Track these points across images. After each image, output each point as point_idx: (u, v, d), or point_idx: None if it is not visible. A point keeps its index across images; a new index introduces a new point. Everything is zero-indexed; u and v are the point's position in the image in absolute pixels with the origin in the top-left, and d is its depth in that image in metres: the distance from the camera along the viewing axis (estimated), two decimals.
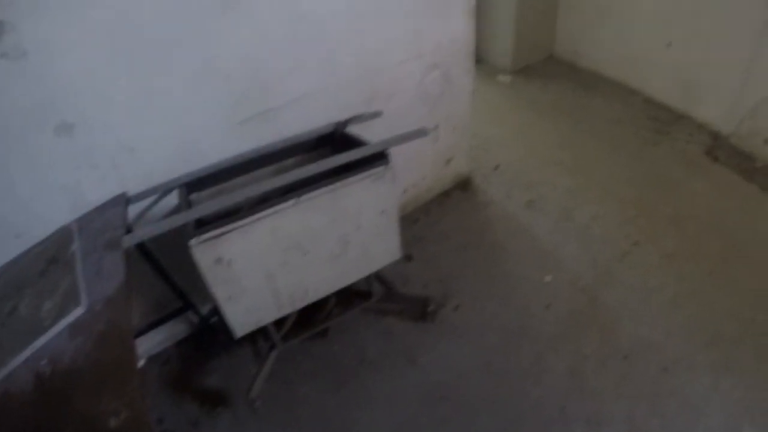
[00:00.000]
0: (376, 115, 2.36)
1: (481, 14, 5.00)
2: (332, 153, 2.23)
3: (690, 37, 4.46)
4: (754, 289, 2.71)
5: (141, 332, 2.29)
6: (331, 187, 1.76)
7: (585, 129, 4.21)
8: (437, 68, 2.65)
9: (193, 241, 1.56)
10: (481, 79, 4.86)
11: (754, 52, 3.94)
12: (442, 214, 3.08)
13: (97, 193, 1.81)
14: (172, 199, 2.00)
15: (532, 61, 5.46)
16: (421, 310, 2.52)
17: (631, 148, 4.03)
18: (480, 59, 5.24)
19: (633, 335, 2.44)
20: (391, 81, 2.48)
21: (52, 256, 1.59)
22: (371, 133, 2.13)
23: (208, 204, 1.62)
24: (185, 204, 1.86)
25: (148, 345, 2.46)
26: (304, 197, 1.72)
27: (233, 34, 1.84)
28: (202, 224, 1.63)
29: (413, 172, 2.93)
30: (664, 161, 3.92)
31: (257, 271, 1.80)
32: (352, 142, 2.06)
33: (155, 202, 2.00)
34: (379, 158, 1.85)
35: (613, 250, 2.92)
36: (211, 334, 2.55)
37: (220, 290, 1.73)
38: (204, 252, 1.60)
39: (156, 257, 2.04)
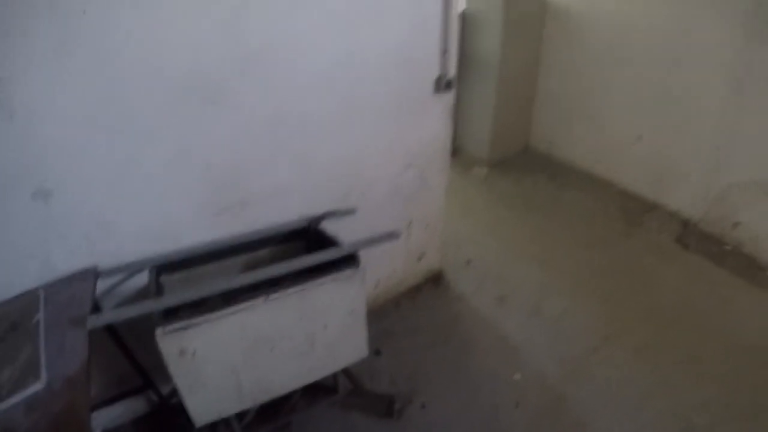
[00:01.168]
0: (349, 212, 2.50)
1: (459, 107, 5.37)
2: (305, 247, 2.36)
3: (659, 129, 4.84)
4: (725, 376, 2.84)
5: (98, 406, 2.27)
6: (300, 287, 1.86)
7: (557, 222, 4.42)
8: (412, 167, 2.83)
9: (159, 331, 1.62)
10: (456, 172, 5.12)
11: (719, 141, 4.29)
12: (412, 309, 3.18)
13: (67, 262, 1.85)
14: (143, 278, 2.06)
15: (508, 153, 5.76)
16: (387, 407, 2.55)
17: (602, 240, 4.24)
18: (457, 151, 5.54)
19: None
20: (366, 179, 2.64)
21: (14, 321, 1.61)
22: (345, 228, 2.27)
23: (177, 295, 1.69)
24: (155, 286, 1.93)
25: (103, 419, 2.42)
26: (274, 296, 1.82)
27: (215, 126, 1.97)
28: (170, 311, 1.69)
29: (385, 266, 3.04)
30: (635, 252, 4.13)
31: (222, 365, 1.85)
32: (325, 240, 2.18)
33: (125, 279, 2.05)
34: (349, 259, 1.99)
35: (584, 345, 3.02)
36: (170, 415, 2.50)
37: (182, 380, 1.77)
38: (169, 342, 1.66)
39: (120, 334, 2.07)
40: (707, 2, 4.24)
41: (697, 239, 4.48)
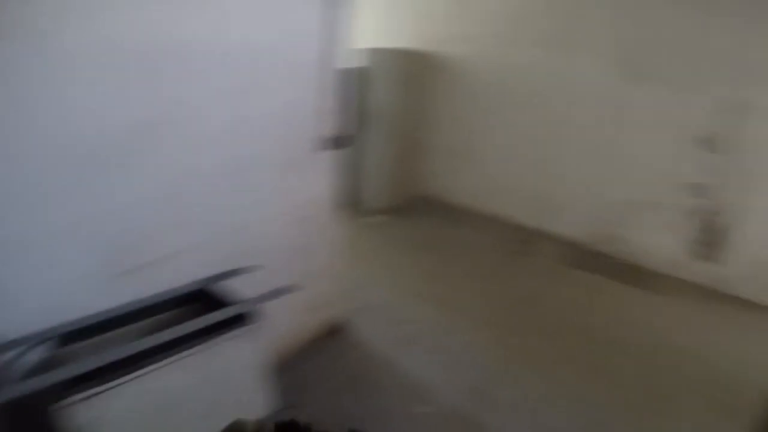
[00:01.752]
0: (243, 270, 2.58)
1: (353, 159, 5.62)
2: (206, 308, 2.38)
3: (540, 163, 5.39)
4: (627, 375, 3.22)
5: None
6: (198, 348, 1.94)
7: (452, 260, 4.70)
8: (302, 222, 2.99)
9: (59, 404, 1.62)
10: (352, 221, 5.31)
11: (596, 167, 4.89)
12: (316, 360, 3.26)
13: None
14: (44, 349, 1.99)
15: (402, 200, 6.07)
16: None
17: (496, 271, 4.58)
18: (353, 201, 5.75)
19: None
20: (258, 236, 2.75)
21: None
22: (243, 285, 2.36)
23: (72, 366, 1.68)
24: (55, 358, 1.91)
25: None
26: (173, 359, 1.88)
27: (114, 191, 2.02)
28: (70, 381, 1.67)
29: (286, 320, 3.09)
30: (528, 278, 4.50)
31: None
32: (224, 299, 2.26)
33: (24, 352, 1.96)
34: (247, 316, 2.08)
35: (488, 372, 3.24)
36: None
37: None
38: (67, 414, 1.65)
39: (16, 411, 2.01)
40: (584, 50, 4.88)
41: (585, 258, 4.95)
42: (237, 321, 2.07)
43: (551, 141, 5.36)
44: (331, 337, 3.46)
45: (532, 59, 5.29)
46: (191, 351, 1.93)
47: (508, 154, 5.75)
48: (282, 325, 3.08)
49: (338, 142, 3.00)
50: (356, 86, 5.46)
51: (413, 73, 5.76)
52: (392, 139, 5.53)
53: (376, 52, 5.34)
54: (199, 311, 2.22)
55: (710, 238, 4.62)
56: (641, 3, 4.63)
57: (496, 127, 5.75)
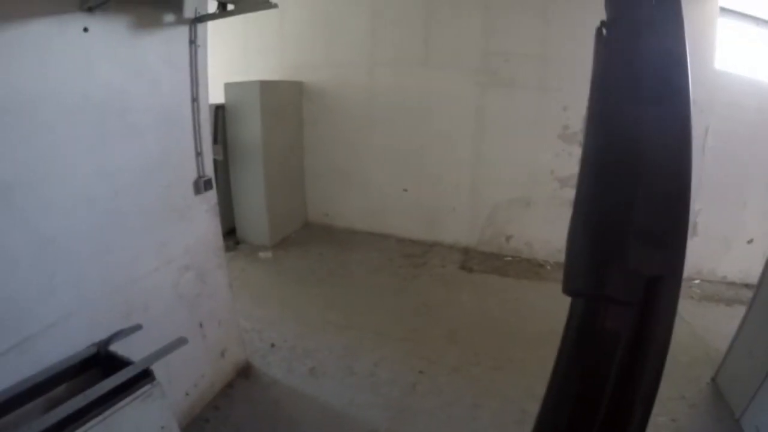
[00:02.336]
0: (135, 328, 2.48)
1: (233, 199, 5.58)
2: (101, 374, 2.30)
3: (420, 177, 5.63)
4: (536, 363, 3.34)
5: None
6: (100, 417, 1.86)
7: (348, 284, 4.78)
8: (189, 269, 2.93)
9: None
10: (243, 259, 5.27)
11: (473, 173, 5.16)
12: (231, 407, 3.20)
13: None
14: None
15: (289, 232, 6.08)
16: None
17: (394, 287, 4.70)
18: (240, 240, 5.71)
19: None
20: (146, 290, 2.66)
21: None
22: (136, 346, 2.27)
23: None
24: None
25: None
26: None
27: None
28: None
29: (190, 372, 3.04)
30: (426, 289, 4.66)
31: None
32: (117, 362, 2.17)
33: None
34: (144, 375, 2.05)
35: (402, 385, 3.33)
36: None
37: None
38: None
39: None
40: (443, 63, 5.15)
41: (479, 261, 5.22)
42: (136, 382, 2.01)
43: (426, 153, 5.63)
44: (241, 382, 3.41)
45: (395, 77, 5.55)
46: (95, 422, 1.85)
47: (387, 174, 5.96)
48: (189, 376, 3.03)
49: (207, 185, 2.97)
50: (227, 122, 5.46)
51: (283, 104, 5.83)
52: (268, 173, 5.52)
53: (241, 86, 5.35)
54: (97, 378, 2.16)
55: None
56: (489, 20, 5.03)
57: (371, 147, 5.95)
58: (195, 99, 2.84)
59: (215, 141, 5.12)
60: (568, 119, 5.01)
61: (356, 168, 6.13)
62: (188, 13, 2.72)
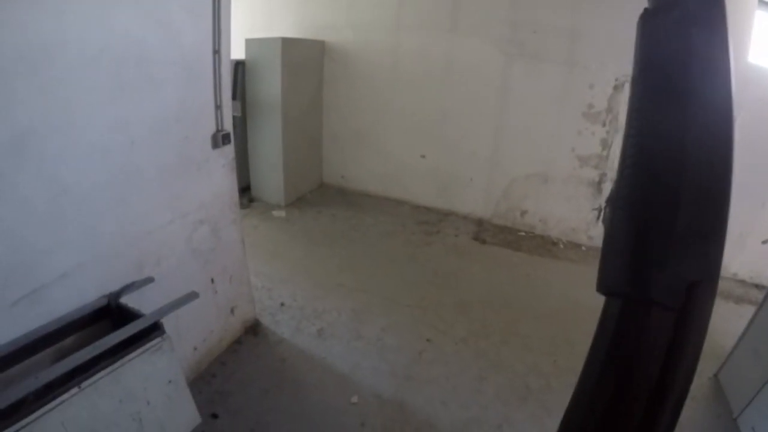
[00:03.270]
0: (147, 281, 2.49)
1: (250, 154, 5.54)
2: (111, 326, 2.30)
3: (439, 144, 5.54)
4: (544, 340, 3.42)
5: None
6: (109, 369, 1.87)
7: (360, 247, 4.76)
8: (204, 224, 2.91)
9: None
10: (257, 217, 5.25)
11: (494, 144, 5.05)
12: (238, 364, 3.22)
13: None
14: None
15: (304, 192, 6.05)
16: None
17: (406, 254, 4.67)
18: (254, 198, 5.69)
19: (451, 421, 2.81)
20: (159, 243, 2.64)
21: None
22: (147, 299, 2.28)
23: None
24: None
25: None
26: (85, 384, 1.80)
27: None
28: None
29: (199, 328, 3.05)
30: (438, 257, 4.63)
31: None
32: (128, 314, 2.18)
33: None
34: (154, 328, 2.03)
35: (409, 353, 3.33)
36: None
37: None
38: None
39: None
40: (470, 31, 5.01)
41: (492, 233, 5.17)
42: (146, 335, 2.01)
43: (447, 121, 5.53)
44: (251, 338, 3.42)
45: (420, 43, 5.42)
46: (102, 373, 1.86)
47: (405, 139, 5.87)
48: (198, 331, 3.04)
49: (225, 139, 2.92)
50: (246, 78, 5.38)
51: (305, 63, 5.73)
52: (286, 131, 5.47)
53: (262, 43, 5.25)
54: (106, 329, 2.15)
55: (608, 205, 4.98)
56: None
57: (391, 112, 5.85)
58: (217, 51, 2.76)
59: (234, 97, 5.05)
60: (594, 97, 4.88)
61: (375, 131, 6.05)
62: None
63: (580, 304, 3.77)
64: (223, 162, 2.97)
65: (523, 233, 5.36)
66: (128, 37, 2.24)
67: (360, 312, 3.75)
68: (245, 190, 5.68)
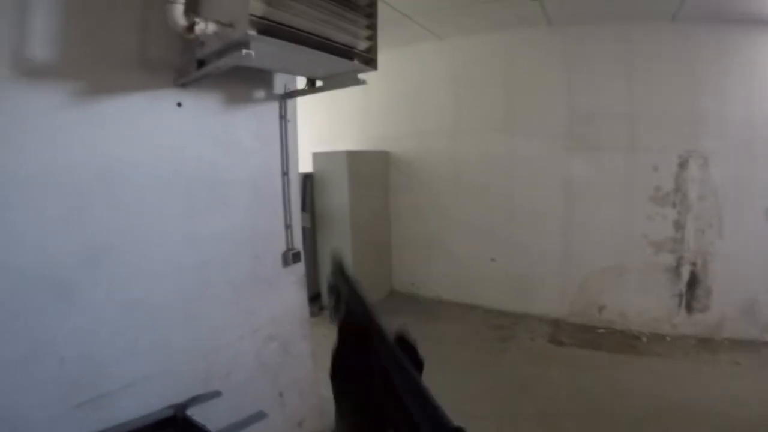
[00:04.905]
0: (215, 394, 2.44)
1: (319, 265, 5.61)
2: None
3: (508, 246, 5.44)
4: None
5: None
6: None
7: (433, 356, 4.58)
8: (274, 339, 2.91)
9: None
10: (326, 326, 5.20)
11: (564, 241, 4.92)
12: None
13: None
14: None
15: (374, 300, 6.00)
16: None
17: (480, 361, 4.49)
18: (324, 306, 5.69)
19: None
20: (229, 358, 2.65)
21: None
22: (212, 413, 2.23)
23: None
24: None
25: None
26: None
27: (67, 317, 1.92)
28: None
29: None
30: (515, 363, 4.42)
31: None
32: (193, 428, 2.13)
33: None
34: None
35: None
36: None
37: None
38: None
39: None
40: (530, 131, 5.20)
41: (569, 334, 4.93)
42: None
43: (513, 222, 5.48)
44: None
45: (480, 146, 5.51)
46: None
47: (474, 243, 5.84)
48: None
49: (296, 257, 2.99)
50: (314, 191, 5.56)
51: (370, 173, 5.91)
52: (355, 240, 5.57)
53: (329, 156, 5.49)
54: None
55: (689, 289, 4.71)
56: (572, 83, 4.93)
57: (458, 215, 5.88)
58: (285, 173, 2.90)
59: (303, 209, 5.20)
60: (660, 180, 4.77)
61: (442, 237, 6.06)
62: (278, 89, 2.82)
63: (674, 404, 3.50)
64: (293, 279, 3.03)
65: (603, 330, 5.07)
66: (200, 161, 2.41)
67: None
68: (315, 297, 5.69)
